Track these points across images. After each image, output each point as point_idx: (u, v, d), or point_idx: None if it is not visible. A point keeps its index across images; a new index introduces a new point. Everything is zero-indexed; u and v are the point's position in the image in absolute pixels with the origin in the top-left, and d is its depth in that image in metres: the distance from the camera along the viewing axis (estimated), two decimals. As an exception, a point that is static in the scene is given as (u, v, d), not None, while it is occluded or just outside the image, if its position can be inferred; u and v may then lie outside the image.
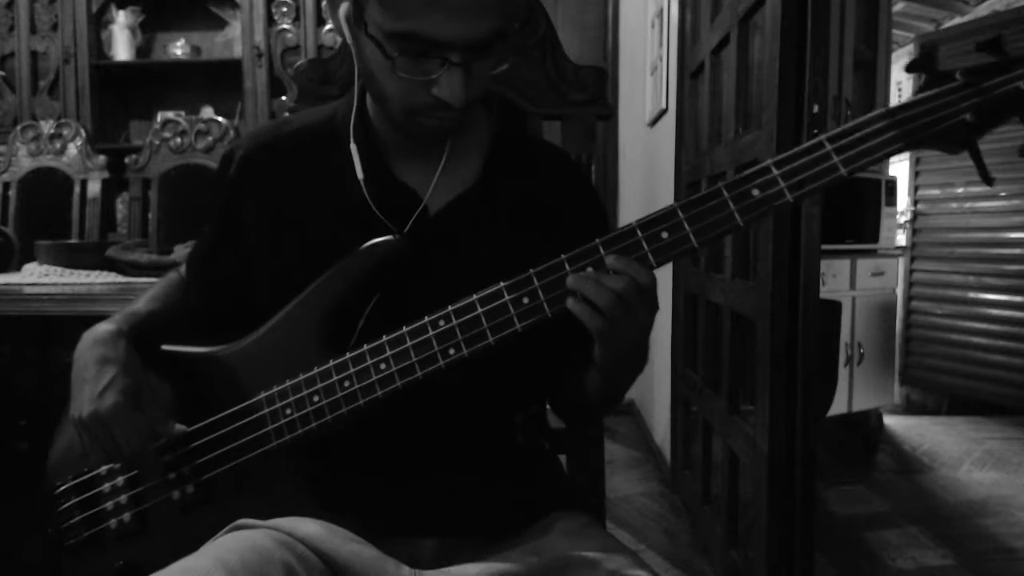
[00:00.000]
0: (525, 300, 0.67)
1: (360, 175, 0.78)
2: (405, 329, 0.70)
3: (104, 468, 0.80)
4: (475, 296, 0.68)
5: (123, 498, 0.79)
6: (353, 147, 0.79)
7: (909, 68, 0.65)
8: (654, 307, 0.68)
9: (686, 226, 0.65)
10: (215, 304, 0.88)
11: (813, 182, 0.63)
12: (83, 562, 0.80)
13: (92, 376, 0.75)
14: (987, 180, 0.64)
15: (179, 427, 0.77)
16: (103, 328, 0.79)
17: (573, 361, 0.82)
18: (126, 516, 0.78)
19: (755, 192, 0.64)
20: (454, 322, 0.68)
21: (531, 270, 0.67)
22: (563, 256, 0.67)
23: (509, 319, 0.67)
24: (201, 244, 0.90)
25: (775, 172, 0.63)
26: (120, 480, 0.79)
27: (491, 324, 0.68)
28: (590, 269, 0.66)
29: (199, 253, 0.90)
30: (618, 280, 0.65)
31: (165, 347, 0.82)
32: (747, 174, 0.65)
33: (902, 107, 0.62)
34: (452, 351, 0.69)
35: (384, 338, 0.71)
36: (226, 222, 0.85)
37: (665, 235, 0.65)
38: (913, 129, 0.62)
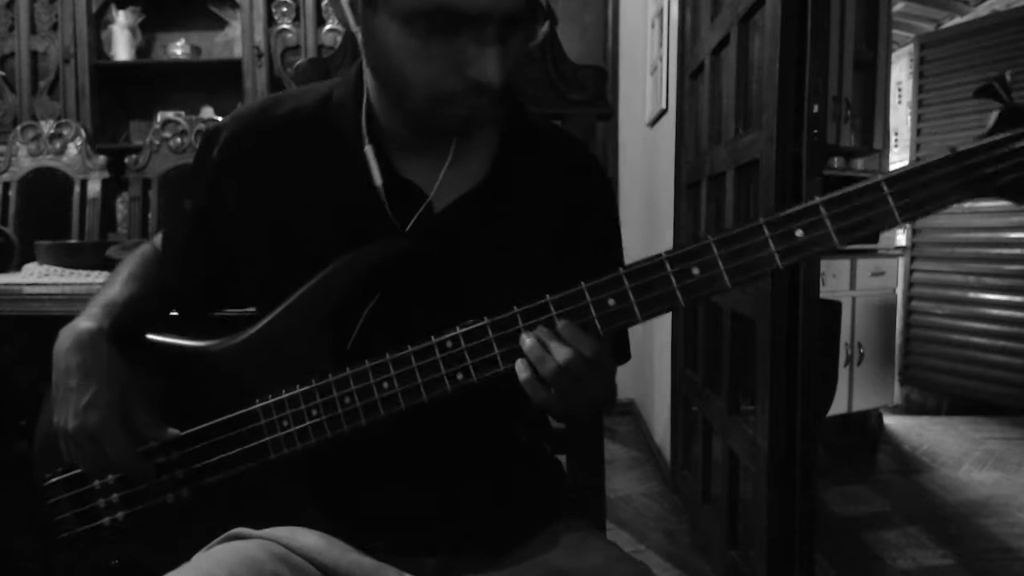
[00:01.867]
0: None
1: (378, 181, 0.73)
2: (411, 349, 0.67)
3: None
4: (486, 320, 0.65)
5: (115, 497, 0.77)
6: (368, 149, 0.73)
7: (979, 93, 0.58)
8: (605, 377, 0.65)
9: (720, 264, 0.59)
10: (192, 284, 0.84)
11: (864, 228, 0.57)
12: (76, 558, 0.79)
13: (75, 386, 0.71)
14: None
15: (172, 431, 0.73)
16: (83, 327, 0.74)
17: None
18: (119, 515, 0.77)
19: (799, 233, 0.58)
20: (463, 345, 0.65)
21: (516, 309, 0.64)
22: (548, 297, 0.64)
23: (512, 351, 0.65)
24: (180, 224, 0.85)
25: (823, 213, 0.58)
26: (111, 478, 0.77)
27: (503, 351, 0.65)
28: (541, 329, 0.62)
29: (177, 233, 0.86)
30: (564, 351, 0.61)
31: (152, 337, 0.78)
32: (791, 212, 0.59)
33: (970, 152, 0.56)
34: (460, 376, 0.66)
35: (387, 356, 0.68)
36: (207, 205, 0.80)
37: (696, 271, 0.60)
38: (982, 178, 0.55)
